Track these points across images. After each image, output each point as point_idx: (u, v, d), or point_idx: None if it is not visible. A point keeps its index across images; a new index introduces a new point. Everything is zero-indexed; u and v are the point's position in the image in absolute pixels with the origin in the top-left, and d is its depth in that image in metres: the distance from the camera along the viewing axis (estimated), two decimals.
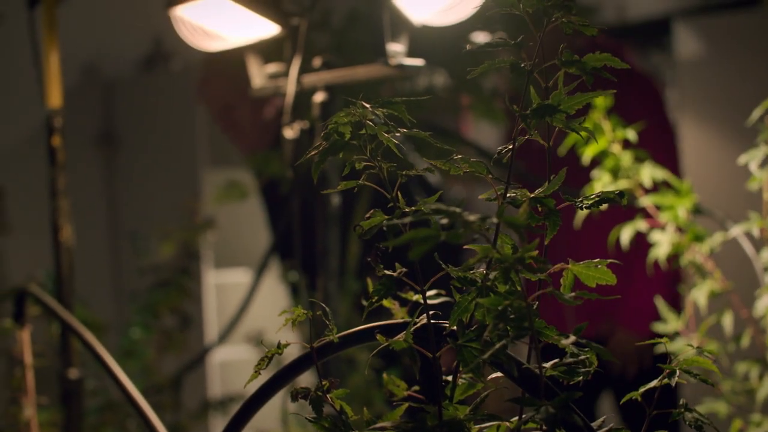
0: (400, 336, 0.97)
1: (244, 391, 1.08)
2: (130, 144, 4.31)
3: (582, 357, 0.93)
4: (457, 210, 0.86)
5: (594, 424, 0.93)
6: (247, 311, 2.75)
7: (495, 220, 0.86)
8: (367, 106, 0.97)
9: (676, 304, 2.87)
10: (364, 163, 0.98)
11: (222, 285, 4.12)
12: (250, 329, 3.35)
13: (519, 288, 0.91)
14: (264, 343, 2.56)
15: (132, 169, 4.29)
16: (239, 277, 4.14)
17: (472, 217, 0.86)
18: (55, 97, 2.09)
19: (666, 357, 1.02)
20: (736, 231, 1.86)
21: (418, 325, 0.97)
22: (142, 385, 2.76)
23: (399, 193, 0.97)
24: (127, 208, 4.26)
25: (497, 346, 0.88)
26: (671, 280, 2.87)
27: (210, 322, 4.03)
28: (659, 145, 2.77)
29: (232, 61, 3.02)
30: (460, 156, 1.00)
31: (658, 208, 1.95)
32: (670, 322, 1.96)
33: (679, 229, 1.94)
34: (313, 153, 0.99)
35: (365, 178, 0.98)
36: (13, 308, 1.86)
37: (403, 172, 0.97)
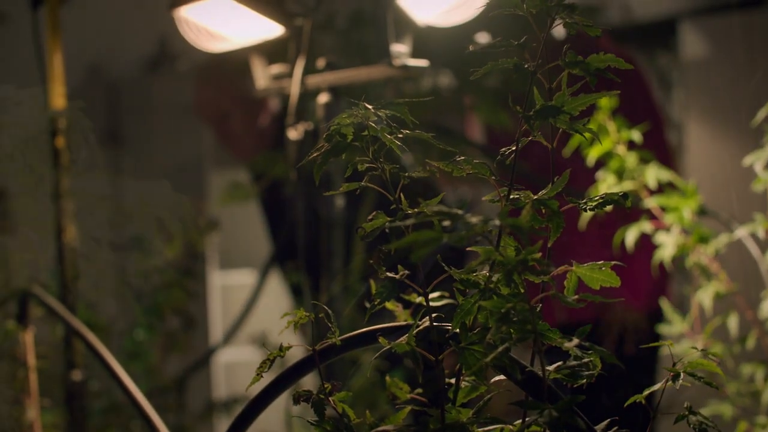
0: (403, 339, 0.97)
1: (249, 393, 1.08)
2: (134, 145, 4.31)
3: (585, 360, 0.93)
4: (460, 212, 0.86)
5: (598, 428, 0.92)
6: (251, 313, 2.75)
7: (497, 222, 0.85)
8: (370, 107, 0.96)
9: (665, 288, 2.86)
10: (367, 165, 0.97)
11: (227, 286, 4.11)
12: (255, 330, 3.35)
13: (522, 290, 0.90)
14: (268, 345, 2.55)
15: (137, 170, 4.28)
16: (244, 279, 4.13)
17: (474, 219, 0.85)
18: (58, 99, 2.09)
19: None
20: (742, 232, 1.85)
21: (421, 327, 0.97)
22: (147, 386, 2.76)
23: (402, 194, 0.97)
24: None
25: (500, 349, 0.87)
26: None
27: (215, 323, 4.02)
28: (648, 135, 2.77)
29: (225, 70, 3.03)
30: (463, 158, 0.99)
31: (663, 209, 1.94)
32: (676, 324, 1.95)
33: (684, 231, 1.93)
34: (315, 155, 0.98)
35: (368, 180, 0.98)
36: (16, 310, 1.86)
37: (406, 174, 0.97)
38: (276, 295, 3.83)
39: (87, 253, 2.06)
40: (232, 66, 2.91)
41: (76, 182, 2.08)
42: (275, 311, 3.86)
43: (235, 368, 4.08)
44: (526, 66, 0.97)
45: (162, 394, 2.78)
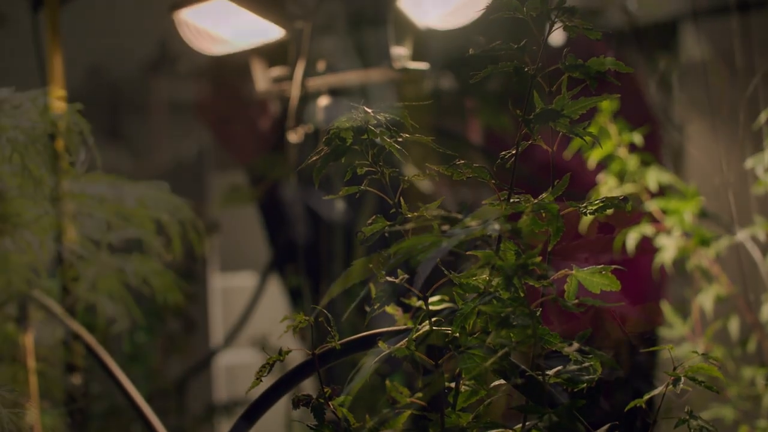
0: (403, 343, 0.96)
1: (250, 396, 1.08)
2: (134, 146, 4.31)
3: (586, 364, 0.92)
4: (459, 216, 0.85)
5: None
6: (252, 315, 2.74)
7: (497, 226, 0.85)
8: (369, 110, 0.96)
9: (660, 293, 2.84)
10: (366, 169, 0.97)
11: (228, 288, 4.11)
12: (255, 333, 3.34)
13: (522, 294, 0.90)
14: (268, 348, 2.54)
15: (136, 172, 4.28)
16: (245, 281, 4.12)
17: (473, 223, 0.85)
18: (58, 101, 2.08)
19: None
20: (742, 235, 1.85)
21: (421, 331, 0.96)
22: (147, 389, 2.75)
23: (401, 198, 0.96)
24: None
25: (500, 353, 0.87)
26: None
27: (216, 325, 4.02)
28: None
29: (226, 73, 3.03)
30: (463, 161, 0.99)
31: (664, 212, 1.94)
32: (676, 327, 1.94)
33: (685, 233, 1.92)
34: (314, 158, 0.98)
35: (367, 184, 0.98)
36: (16, 312, 1.86)
37: (405, 177, 0.96)
38: (277, 297, 3.82)
39: (86, 255, 2.05)
40: (233, 69, 2.91)
41: (75, 184, 2.08)
42: (276, 314, 3.86)
43: (236, 371, 4.08)
44: (525, 69, 0.96)
45: (162, 397, 2.78)
